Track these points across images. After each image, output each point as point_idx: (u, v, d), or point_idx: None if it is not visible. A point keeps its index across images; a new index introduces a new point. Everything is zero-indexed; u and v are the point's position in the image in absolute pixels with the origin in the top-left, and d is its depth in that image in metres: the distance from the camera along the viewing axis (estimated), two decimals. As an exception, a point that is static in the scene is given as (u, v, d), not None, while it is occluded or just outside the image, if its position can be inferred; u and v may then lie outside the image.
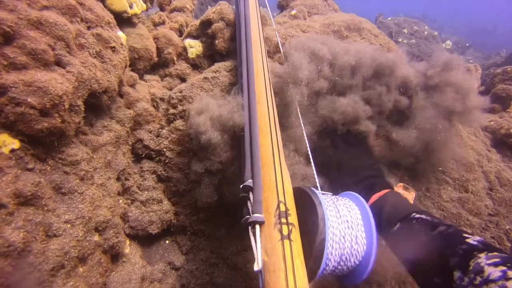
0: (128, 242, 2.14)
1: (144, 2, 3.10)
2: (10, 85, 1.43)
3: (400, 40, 9.01)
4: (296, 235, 1.29)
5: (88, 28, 2.01)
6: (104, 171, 1.99)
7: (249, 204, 1.48)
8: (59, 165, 1.69)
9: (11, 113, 1.43)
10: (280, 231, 1.26)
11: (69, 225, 1.60)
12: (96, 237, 1.79)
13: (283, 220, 1.29)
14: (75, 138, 1.83)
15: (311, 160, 1.79)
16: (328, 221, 1.24)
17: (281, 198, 1.38)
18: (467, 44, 13.29)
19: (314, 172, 1.71)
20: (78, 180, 1.74)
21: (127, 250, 2.10)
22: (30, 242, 1.34)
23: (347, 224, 1.28)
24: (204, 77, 2.51)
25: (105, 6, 2.45)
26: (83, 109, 1.78)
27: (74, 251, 1.58)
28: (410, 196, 2.48)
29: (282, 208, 1.36)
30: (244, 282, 2.37)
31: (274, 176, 1.49)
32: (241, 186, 1.58)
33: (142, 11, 2.94)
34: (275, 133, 1.75)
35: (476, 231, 2.87)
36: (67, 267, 1.54)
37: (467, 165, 2.90)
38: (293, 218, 1.33)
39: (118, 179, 2.17)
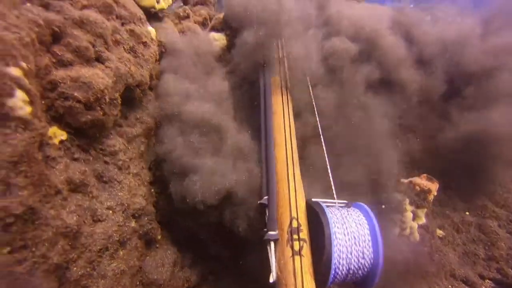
0: (160, 229, 2.30)
1: (168, -4, 3.21)
2: (60, 81, 1.58)
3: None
4: (307, 250, 1.44)
5: (122, 24, 2.15)
6: (138, 161, 2.14)
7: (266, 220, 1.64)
8: (100, 155, 1.85)
9: (61, 107, 1.59)
10: (292, 247, 1.43)
11: (111, 211, 1.77)
12: (133, 223, 1.95)
13: (295, 236, 1.46)
14: (113, 129, 1.98)
15: (329, 169, 1.87)
16: (335, 240, 1.39)
17: (294, 214, 1.54)
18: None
19: (331, 181, 1.80)
20: (117, 170, 1.90)
21: (159, 237, 2.26)
22: (81, 225, 1.51)
23: (354, 240, 1.43)
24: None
25: (134, 1, 2.58)
26: (120, 102, 1.92)
27: (116, 235, 1.74)
28: (433, 186, 2.53)
29: (295, 224, 1.51)
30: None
31: (288, 192, 1.63)
32: (258, 202, 1.74)
33: (168, 6, 3.06)
34: (291, 146, 1.87)
35: (503, 223, 2.89)
36: (110, 250, 1.70)
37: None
38: (304, 233, 1.49)
39: (150, 169, 2.32)
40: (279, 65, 2.40)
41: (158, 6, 2.85)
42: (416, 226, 2.51)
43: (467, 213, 2.84)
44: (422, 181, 2.53)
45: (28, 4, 1.60)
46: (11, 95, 1.16)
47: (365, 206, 1.53)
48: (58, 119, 1.64)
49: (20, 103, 1.20)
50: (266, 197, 1.73)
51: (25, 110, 1.22)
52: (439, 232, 2.71)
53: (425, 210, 2.53)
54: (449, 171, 2.76)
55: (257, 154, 2.08)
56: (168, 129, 2.24)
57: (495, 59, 2.70)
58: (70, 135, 1.69)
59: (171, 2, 3.14)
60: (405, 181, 2.60)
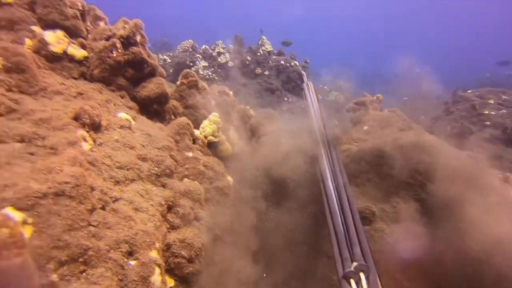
0: None
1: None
2: (172, 243, 2.29)
3: (486, 112, 8.79)
4: None
5: (211, 183, 2.95)
6: (221, 295, 2.68)
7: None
8: (195, 297, 2.44)
9: (172, 263, 2.27)
10: None
11: None
12: None
13: None
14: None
15: None
16: None
17: None
18: None
19: None
20: (207, 306, 2.45)
21: None
22: None
23: None
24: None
25: (216, 154, 3.46)
26: (209, 249, 2.57)
27: None
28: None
29: None
30: None
31: None
32: (354, 265, 2.00)
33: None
34: None
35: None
36: None
37: None
38: None
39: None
40: None
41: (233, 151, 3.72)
42: None
43: None
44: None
45: (154, 188, 2.44)
46: (153, 273, 1.84)
47: None
48: (169, 271, 2.30)
49: (157, 277, 1.87)
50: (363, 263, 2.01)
51: (159, 281, 1.88)
52: None
53: None
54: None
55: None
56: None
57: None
58: (176, 282, 2.34)
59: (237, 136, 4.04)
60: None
